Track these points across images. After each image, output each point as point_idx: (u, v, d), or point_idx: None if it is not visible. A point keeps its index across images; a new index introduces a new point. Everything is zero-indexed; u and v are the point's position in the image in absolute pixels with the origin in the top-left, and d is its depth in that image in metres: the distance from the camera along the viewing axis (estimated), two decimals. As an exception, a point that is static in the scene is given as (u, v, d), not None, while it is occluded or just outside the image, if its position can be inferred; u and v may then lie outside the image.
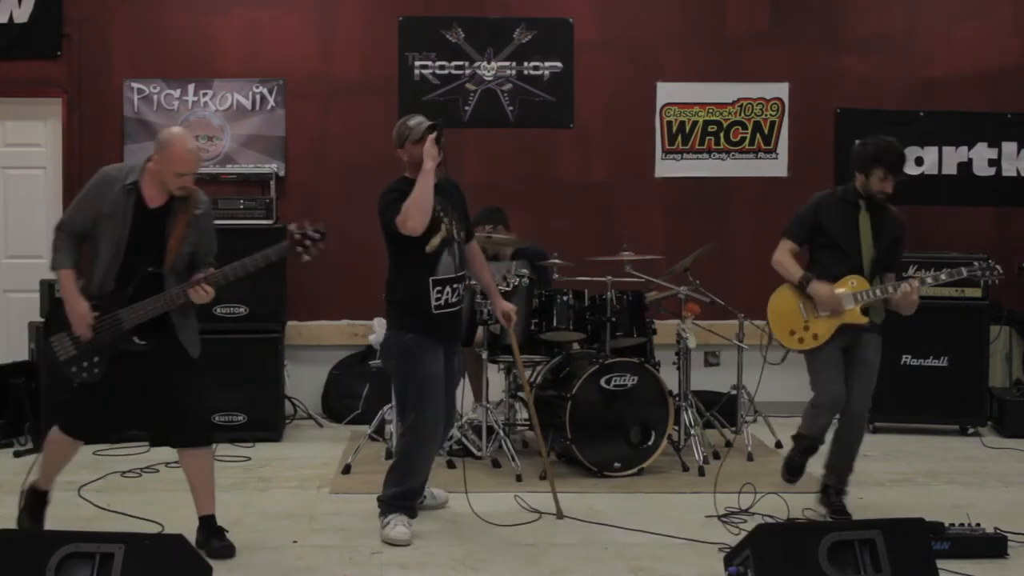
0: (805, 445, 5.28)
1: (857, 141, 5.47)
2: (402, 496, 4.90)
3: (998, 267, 5.14)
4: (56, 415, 4.80)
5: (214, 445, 4.79)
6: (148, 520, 4.97)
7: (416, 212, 4.71)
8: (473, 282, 5.46)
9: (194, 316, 4.66)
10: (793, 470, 5.33)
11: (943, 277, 5.14)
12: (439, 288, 4.83)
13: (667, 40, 7.92)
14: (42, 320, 6.76)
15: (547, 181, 7.84)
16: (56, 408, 4.95)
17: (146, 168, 4.53)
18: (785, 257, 5.33)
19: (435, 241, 4.80)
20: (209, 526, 4.66)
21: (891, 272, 5.23)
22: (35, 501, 4.72)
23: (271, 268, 6.94)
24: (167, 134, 4.55)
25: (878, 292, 5.13)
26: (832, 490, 5.28)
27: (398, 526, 4.81)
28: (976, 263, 5.18)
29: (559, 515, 5.06)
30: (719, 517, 5.18)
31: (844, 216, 5.23)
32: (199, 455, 4.67)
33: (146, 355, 4.49)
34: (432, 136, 4.77)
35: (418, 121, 4.89)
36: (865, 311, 5.17)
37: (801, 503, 5.31)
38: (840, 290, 5.15)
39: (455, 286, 4.89)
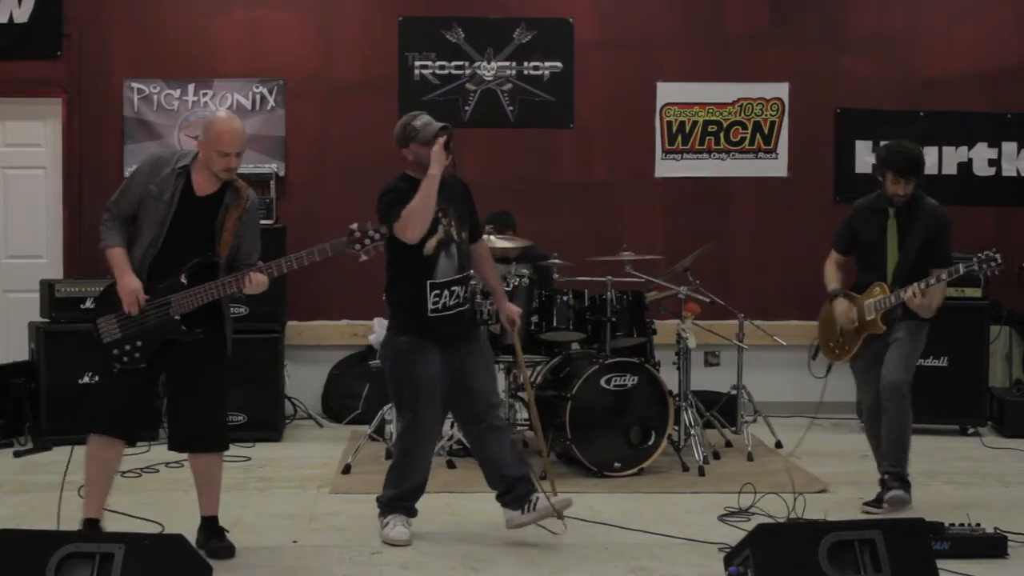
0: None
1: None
2: (401, 497, 4.87)
3: (996, 257, 5.03)
4: (85, 424, 4.64)
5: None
6: (148, 520, 4.96)
7: (416, 221, 4.62)
8: (475, 282, 5.42)
9: (228, 308, 4.63)
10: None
11: (944, 276, 5.12)
12: (437, 292, 4.72)
13: (667, 40, 7.92)
14: (42, 320, 6.79)
15: (547, 181, 7.84)
16: (80, 415, 4.75)
17: (196, 156, 4.50)
18: (828, 268, 5.51)
19: (431, 243, 4.69)
20: (211, 527, 4.66)
21: (938, 268, 5.19)
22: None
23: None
24: (212, 115, 4.57)
25: (893, 299, 5.19)
26: (887, 477, 5.31)
27: (397, 526, 4.80)
28: (974, 259, 5.08)
29: (559, 515, 5.03)
30: (721, 518, 5.21)
31: (874, 222, 5.33)
32: (212, 459, 4.66)
33: (184, 351, 4.44)
34: (442, 140, 4.66)
35: (425, 122, 4.75)
36: (887, 320, 5.22)
37: (802, 503, 5.30)
38: (867, 301, 5.27)
39: (454, 289, 4.75)
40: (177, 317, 4.39)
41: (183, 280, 4.39)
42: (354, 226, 4.47)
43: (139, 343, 4.39)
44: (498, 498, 4.91)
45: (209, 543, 4.58)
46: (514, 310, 5.06)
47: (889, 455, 5.29)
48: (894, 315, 5.24)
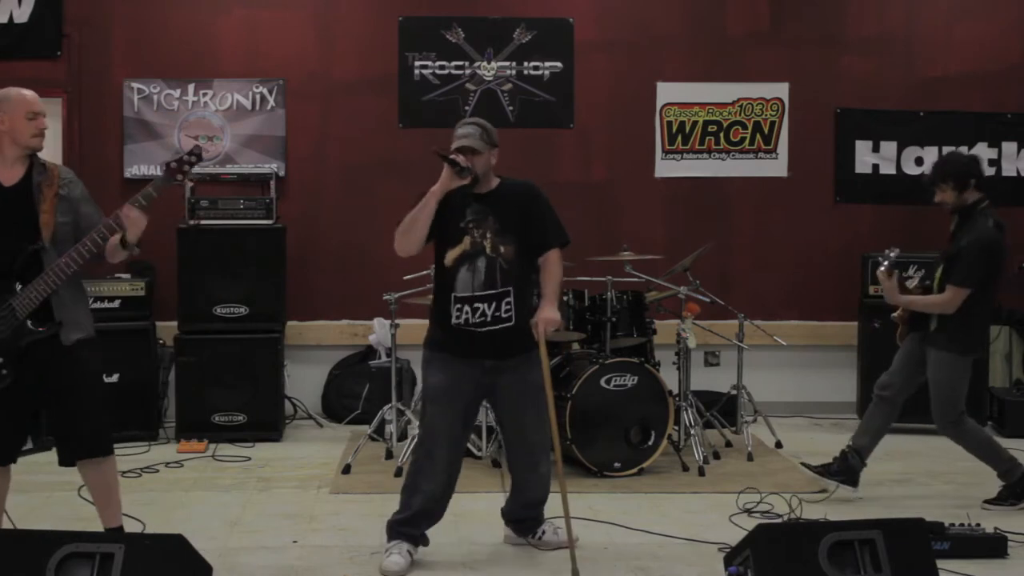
0: None
1: None
2: (406, 522, 4.60)
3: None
4: None
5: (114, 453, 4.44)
6: (133, 518, 4.96)
7: (401, 236, 4.50)
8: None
9: (82, 293, 4.32)
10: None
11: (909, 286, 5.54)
12: (459, 306, 4.49)
13: (667, 40, 7.91)
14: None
15: (547, 181, 7.74)
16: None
17: None
18: None
19: (452, 254, 4.51)
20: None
21: (950, 284, 5.34)
22: None
23: (271, 269, 7.03)
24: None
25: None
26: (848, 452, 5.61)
27: (392, 555, 4.53)
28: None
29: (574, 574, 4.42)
30: (748, 512, 5.27)
31: None
32: (101, 465, 4.37)
33: (32, 360, 4.14)
34: (452, 159, 4.47)
35: (461, 133, 4.56)
36: (913, 318, 5.50)
37: (805, 503, 5.31)
38: None
39: (477, 306, 4.48)
40: (24, 318, 4.11)
41: (14, 279, 4.11)
42: (171, 159, 4.26)
43: (0, 360, 4.11)
44: (503, 515, 4.89)
45: None
46: (545, 318, 4.53)
47: (994, 469, 5.54)
48: (925, 323, 5.44)
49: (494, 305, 4.50)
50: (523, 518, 4.85)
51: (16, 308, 4.11)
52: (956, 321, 5.31)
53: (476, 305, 4.49)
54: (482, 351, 4.52)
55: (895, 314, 5.67)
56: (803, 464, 5.71)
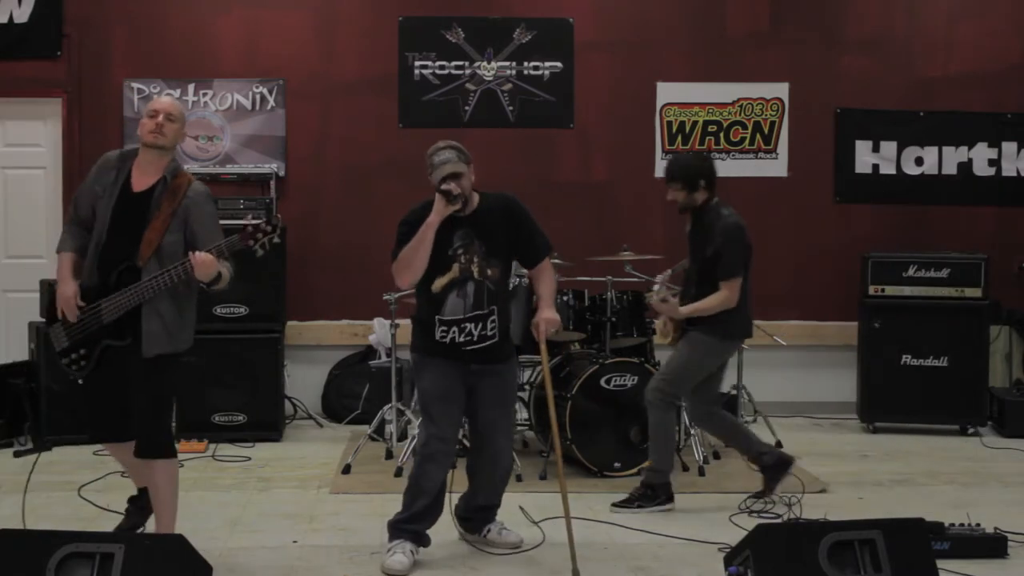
0: None
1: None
2: (409, 520, 4.62)
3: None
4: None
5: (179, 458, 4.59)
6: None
7: (404, 270, 4.52)
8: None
9: (184, 311, 4.37)
10: None
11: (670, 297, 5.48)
12: (444, 328, 4.54)
13: (667, 40, 7.91)
14: (42, 320, 6.79)
15: (547, 181, 7.84)
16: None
17: (139, 150, 4.41)
18: None
19: (440, 283, 4.53)
20: None
21: (722, 280, 5.31)
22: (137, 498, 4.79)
23: (270, 269, 7.03)
24: None
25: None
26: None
27: (396, 554, 4.53)
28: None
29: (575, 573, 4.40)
30: (749, 512, 5.29)
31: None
32: (150, 466, 4.47)
33: (122, 357, 4.30)
34: (446, 189, 4.46)
35: (441, 160, 4.52)
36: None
37: (805, 503, 5.32)
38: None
39: (465, 326, 4.53)
40: (108, 323, 4.26)
41: (112, 282, 4.26)
42: (249, 222, 4.34)
43: (82, 351, 4.33)
44: (454, 513, 4.88)
45: None
46: (545, 318, 4.65)
47: (655, 458, 5.40)
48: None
49: (480, 325, 4.56)
50: (471, 515, 4.89)
51: (103, 310, 4.26)
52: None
53: (464, 326, 4.55)
54: (468, 359, 4.59)
55: (668, 341, 5.52)
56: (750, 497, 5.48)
